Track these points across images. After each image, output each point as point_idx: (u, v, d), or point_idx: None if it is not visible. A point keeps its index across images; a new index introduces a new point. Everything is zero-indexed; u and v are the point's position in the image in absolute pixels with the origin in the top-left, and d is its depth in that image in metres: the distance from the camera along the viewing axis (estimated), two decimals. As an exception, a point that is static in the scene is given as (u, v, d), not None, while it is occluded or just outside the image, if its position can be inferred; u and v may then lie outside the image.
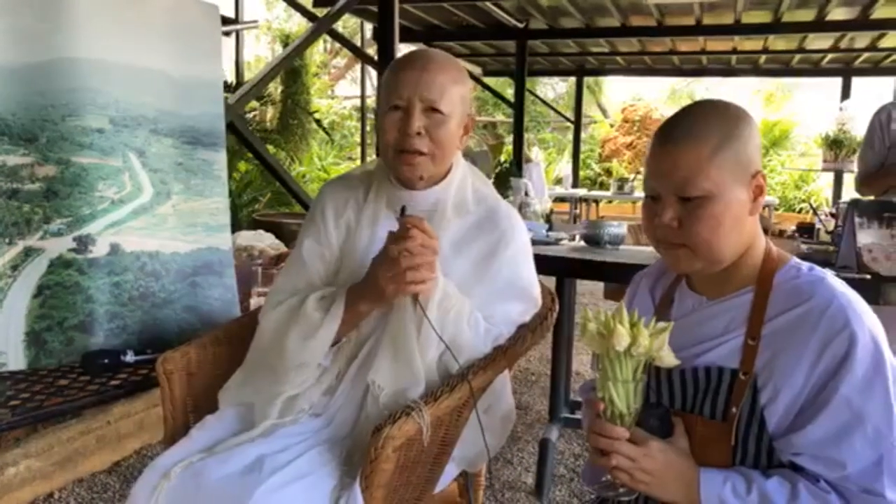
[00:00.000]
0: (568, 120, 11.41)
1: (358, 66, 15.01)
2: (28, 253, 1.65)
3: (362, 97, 9.96)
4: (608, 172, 12.75)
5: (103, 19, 1.74)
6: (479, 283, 1.36)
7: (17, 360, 1.62)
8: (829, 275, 1.10)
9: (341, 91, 15.25)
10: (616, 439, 1.07)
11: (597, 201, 9.16)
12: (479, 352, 1.33)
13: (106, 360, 1.63)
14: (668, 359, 1.08)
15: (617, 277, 2.43)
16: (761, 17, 6.48)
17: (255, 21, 7.51)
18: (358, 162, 10.62)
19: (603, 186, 11.44)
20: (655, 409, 1.16)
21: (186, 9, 1.94)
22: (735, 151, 1.07)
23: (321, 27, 4.05)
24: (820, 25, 6.41)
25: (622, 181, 8.74)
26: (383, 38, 4.26)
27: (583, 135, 11.50)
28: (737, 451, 1.08)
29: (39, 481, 2.30)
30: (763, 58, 8.63)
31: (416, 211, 1.32)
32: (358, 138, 11.92)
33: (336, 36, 6.34)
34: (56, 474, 2.35)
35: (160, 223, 1.82)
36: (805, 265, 1.13)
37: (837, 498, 1.00)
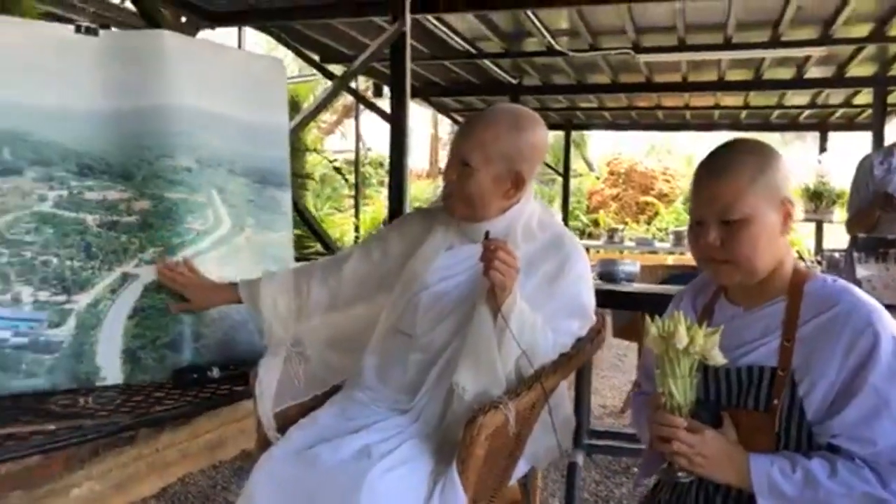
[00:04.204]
0: (557, 172, 11.73)
1: (346, 121, 15.37)
2: (125, 278, 1.83)
3: (357, 151, 10.23)
4: (595, 223, 13.05)
5: (188, 71, 1.95)
6: (546, 300, 1.54)
7: (114, 375, 1.79)
8: (852, 286, 1.30)
9: (330, 145, 15.55)
10: (676, 427, 1.23)
11: (588, 250, 9.40)
12: (548, 359, 1.51)
13: (195, 376, 1.80)
14: (718, 358, 1.23)
15: (634, 305, 2.64)
16: (743, 74, 6.84)
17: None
18: (351, 212, 10.85)
19: (591, 237, 11.73)
20: (706, 404, 1.33)
21: (257, 62, 2.17)
22: (767, 181, 1.28)
23: (342, 84, 4.32)
24: (798, 83, 6.77)
25: (612, 231, 9.00)
26: (396, 94, 4.53)
27: (570, 187, 11.82)
28: (780, 438, 1.24)
29: (98, 503, 2.41)
30: (744, 113, 9.00)
31: (482, 235, 1.50)
32: (347, 191, 12.18)
33: (353, 92, 6.60)
34: (113, 497, 2.46)
35: (236, 253, 2.01)
36: (830, 277, 1.33)
37: (870, 471, 1.17)
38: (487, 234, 1.46)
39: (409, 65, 4.45)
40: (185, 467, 2.86)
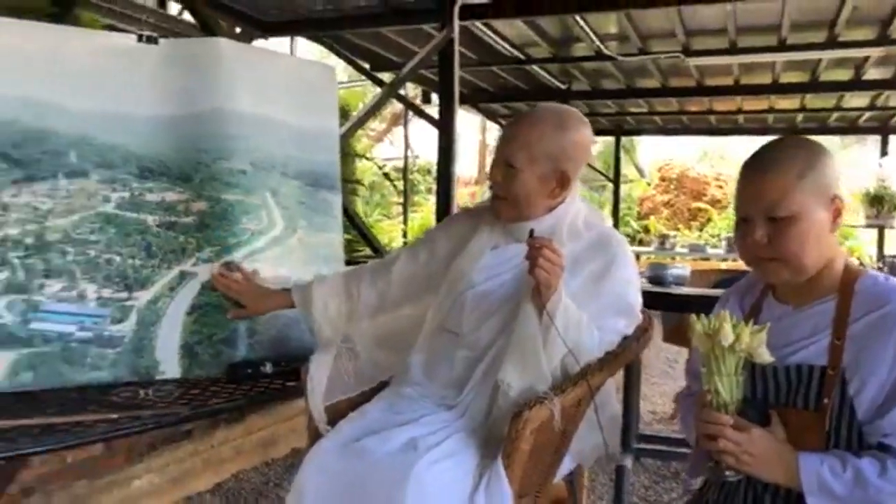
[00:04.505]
0: (607, 178, 11.64)
1: (395, 129, 15.52)
2: (183, 276, 1.90)
3: (405, 158, 10.33)
4: (646, 230, 12.89)
5: (243, 77, 2.02)
6: (592, 298, 1.55)
7: (173, 369, 1.86)
8: None
9: (380, 153, 15.72)
10: (722, 425, 1.22)
11: (638, 257, 9.30)
12: (594, 356, 1.52)
13: (249, 371, 1.86)
14: (765, 356, 1.22)
15: (682, 307, 2.62)
16: (798, 76, 6.69)
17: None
18: (399, 219, 10.97)
19: (642, 243, 11.60)
20: (754, 403, 1.32)
21: (309, 69, 2.24)
22: (815, 178, 1.27)
23: (391, 91, 4.39)
24: (857, 84, 6.58)
25: (664, 237, 8.89)
26: (444, 100, 4.58)
27: (620, 193, 11.72)
28: (830, 437, 1.23)
29: (156, 496, 2.49)
30: (800, 116, 8.79)
31: (528, 234, 1.53)
32: (395, 198, 12.30)
33: (401, 99, 6.68)
34: (170, 490, 2.54)
35: (288, 253, 2.06)
36: (881, 275, 1.31)
37: None
38: (532, 232, 1.48)
39: (457, 71, 4.50)
40: (239, 464, 2.94)
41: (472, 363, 1.59)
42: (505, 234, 1.69)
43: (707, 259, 8.61)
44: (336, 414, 1.66)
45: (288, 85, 2.14)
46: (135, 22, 4.15)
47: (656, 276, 2.99)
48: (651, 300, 2.73)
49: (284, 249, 2.05)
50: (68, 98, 1.81)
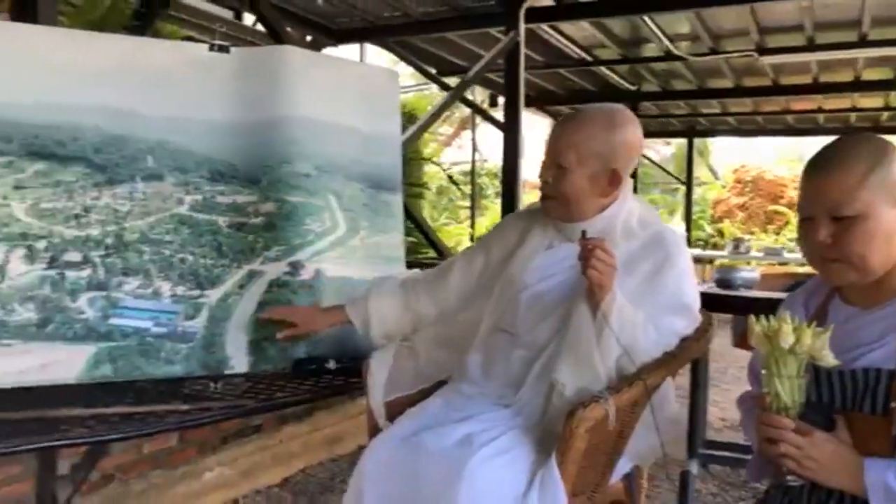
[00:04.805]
0: (679, 181, 11.41)
1: (463, 134, 15.59)
2: (251, 275, 1.98)
3: (473, 162, 10.36)
4: (720, 233, 12.57)
5: (309, 84, 2.09)
6: (647, 297, 1.54)
7: (241, 364, 1.93)
8: None
9: (447, 157, 15.80)
10: (783, 429, 1.20)
11: (711, 261, 9.08)
12: (650, 357, 1.50)
13: (313, 367, 1.92)
14: (829, 359, 1.19)
15: (749, 310, 2.54)
16: (883, 73, 6.42)
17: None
18: (467, 223, 11.02)
19: (716, 247, 11.30)
20: (818, 406, 1.29)
21: (374, 74, 2.30)
22: (883, 176, 1.23)
23: (456, 94, 4.43)
24: (946, 80, 6.27)
25: (738, 241, 8.64)
26: (510, 103, 4.59)
27: (693, 196, 11.46)
28: None
29: (227, 488, 2.61)
30: (885, 115, 8.41)
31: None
32: (463, 202, 12.36)
33: (467, 102, 6.73)
34: (240, 483, 2.66)
35: (351, 254, 2.12)
36: (955, 278, 1.26)
37: None
38: (584, 233, 1.47)
39: (522, 74, 4.50)
40: (306, 459, 3.04)
41: (529, 362, 1.60)
42: (558, 234, 1.70)
43: (785, 263, 8.31)
44: (396, 410, 1.70)
45: (352, 90, 2.20)
46: (212, 33, 4.31)
47: (724, 279, 2.92)
48: (718, 304, 2.69)
49: (347, 250, 2.11)
50: (146, 105, 1.92)
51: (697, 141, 11.54)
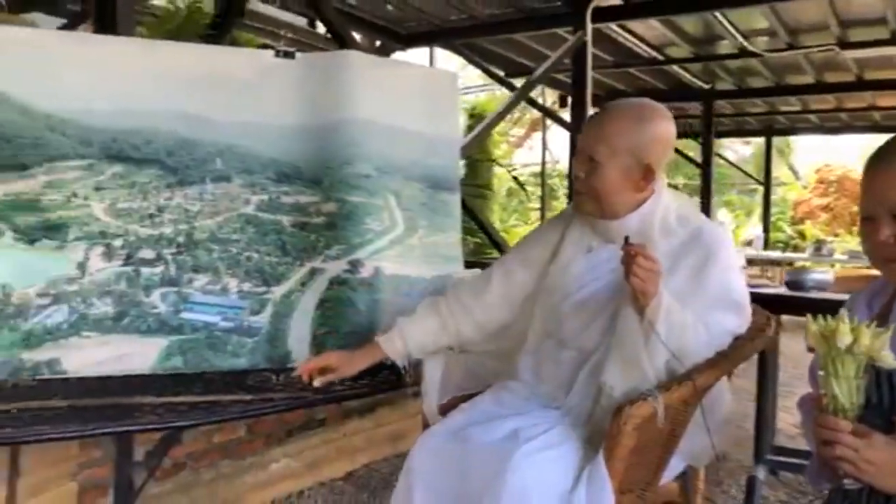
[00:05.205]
0: (757, 182, 11.06)
1: (534, 135, 15.55)
2: (313, 273, 2.06)
3: (542, 163, 10.32)
4: (801, 235, 12.10)
5: (370, 87, 2.16)
6: (692, 295, 1.51)
7: (302, 358, 1.99)
8: None
9: (519, 159, 15.77)
10: (839, 431, 1.18)
11: (791, 264, 8.76)
12: (701, 357, 1.48)
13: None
14: (889, 359, 1.16)
15: (821, 313, 2.46)
16: (977, 65, 6.08)
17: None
18: (536, 224, 10.98)
19: (797, 249, 10.88)
20: (878, 408, 1.25)
21: (433, 76, 2.35)
22: None
23: (522, 95, 4.44)
24: None
25: (819, 243, 8.31)
26: (577, 103, 4.57)
27: (772, 196, 11.08)
28: None
29: (293, 479, 2.70)
30: (981, 110, 7.95)
31: (619, 234, 1.52)
32: (533, 203, 12.32)
33: (532, 102, 6.73)
34: (305, 475, 2.74)
35: (409, 252, 2.17)
36: None
37: None
38: (627, 238, 1.45)
39: (589, 74, 4.48)
40: (370, 455, 3.10)
41: (578, 365, 1.61)
42: (595, 235, 1.69)
43: (870, 267, 7.93)
44: (448, 408, 1.74)
45: (411, 92, 2.25)
46: (286, 40, 4.46)
47: (794, 280, 2.84)
48: (788, 306, 2.62)
49: (405, 248, 2.16)
50: (216, 111, 2.01)
51: (779, 140, 11.15)
